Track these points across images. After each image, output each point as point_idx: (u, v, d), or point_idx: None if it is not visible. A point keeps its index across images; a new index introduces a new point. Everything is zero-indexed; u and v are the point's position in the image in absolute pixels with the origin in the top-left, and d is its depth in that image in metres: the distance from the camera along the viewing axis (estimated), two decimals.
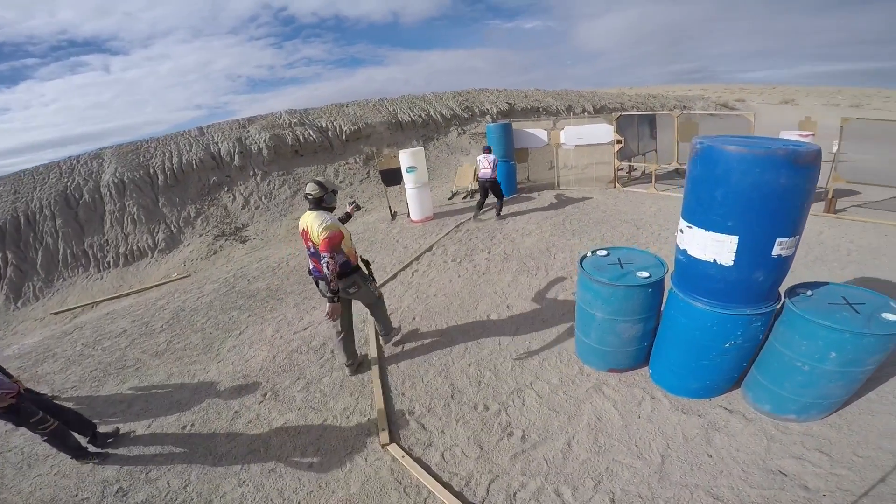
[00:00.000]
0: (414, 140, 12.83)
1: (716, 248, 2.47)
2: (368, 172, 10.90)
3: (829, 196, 7.06)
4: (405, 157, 7.55)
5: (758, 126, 14.03)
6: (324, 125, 11.84)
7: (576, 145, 9.23)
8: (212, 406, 3.82)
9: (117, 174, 10.86)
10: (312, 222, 3.18)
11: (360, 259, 3.66)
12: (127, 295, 8.34)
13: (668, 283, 3.23)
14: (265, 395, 3.87)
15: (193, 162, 11.11)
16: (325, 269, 3.09)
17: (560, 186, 9.53)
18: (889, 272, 4.95)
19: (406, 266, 6.26)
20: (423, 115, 13.81)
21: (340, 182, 10.62)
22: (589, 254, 3.60)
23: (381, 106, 13.64)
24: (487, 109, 15.77)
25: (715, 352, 2.91)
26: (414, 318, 4.88)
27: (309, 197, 3.28)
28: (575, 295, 3.67)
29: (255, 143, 11.26)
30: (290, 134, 11.32)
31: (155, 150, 11.62)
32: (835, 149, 13.23)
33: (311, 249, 3.31)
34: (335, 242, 3.13)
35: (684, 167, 8.67)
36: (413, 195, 7.81)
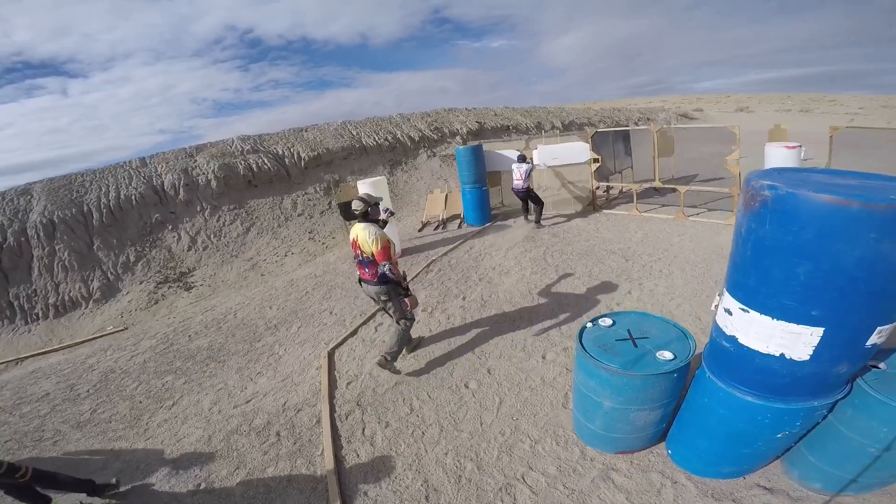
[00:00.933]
0: (380, 165, 12.05)
1: (787, 340, 1.74)
2: (330, 203, 10.01)
3: None
4: (364, 189, 6.73)
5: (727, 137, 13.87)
6: (280, 152, 10.93)
7: (550, 166, 8.65)
8: (136, 495, 3.19)
9: (46, 213, 9.63)
10: (363, 233, 3.56)
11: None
12: (55, 350, 7.25)
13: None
14: (199, 485, 3.18)
15: (133, 197, 10.01)
16: (389, 275, 3.56)
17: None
18: None
19: (369, 318, 5.39)
20: (389, 138, 13.09)
21: (299, 215, 9.71)
22: (589, 324, 2.84)
23: (343, 129, 12.84)
24: (458, 130, 15.21)
25: (762, 441, 2.26)
26: (375, 390, 4.03)
27: (356, 212, 3.64)
28: (572, 372, 2.91)
29: (203, 173, 10.26)
30: (243, 162, 10.37)
31: (90, 185, 10.45)
32: (802, 155, 13.21)
33: (360, 257, 3.68)
34: (389, 250, 3.52)
35: (665, 186, 8.28)
36: None
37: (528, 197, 7.84)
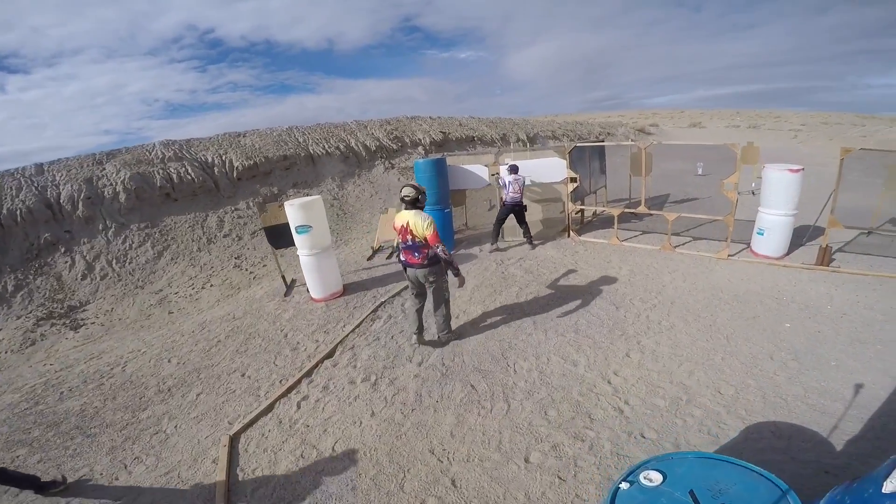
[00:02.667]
0: (328, 178, 10.61)
1: None
2: None
3: (825, 245, 5.90)
4: (294, 212, 5.34)
5: (692, 154, 13.40)
6: (209, 160, 9.31)
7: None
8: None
9: None
10: (414, 219, 3.84)
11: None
12: None
13: None
14: None
15: (19, 212, 8.13)
16: (443, 256, 3.89)
17: (505, 237, 7.81)
18: None
19: (291, 388, 4.06)
20: (341, 146, 11.68)
21: (226, 236, 8.15)
22: (624, 486, 1.67)
23: (288, 136, 11.32)
24: (420, 140, 14.00)
25: None
26: None
27: (406, 199, 3.92)
28: None
29: (111, 184, 8.52)
30: (161, 171, 8.70)
31: None
32: (753, 185, 12.79)
33: (408, 243, 3.93)
34: (438, 233, 3.86)
35: (647, 212, 7.29)
36: (310, 266, 5.53)
37: (519, 214, 7.15)
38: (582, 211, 8.61)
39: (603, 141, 12.22)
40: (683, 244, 7.09)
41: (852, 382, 3.46)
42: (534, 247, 7.32)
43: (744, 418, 3.18)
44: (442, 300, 4.23)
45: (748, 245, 6.68)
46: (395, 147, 13.16)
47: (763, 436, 3.01)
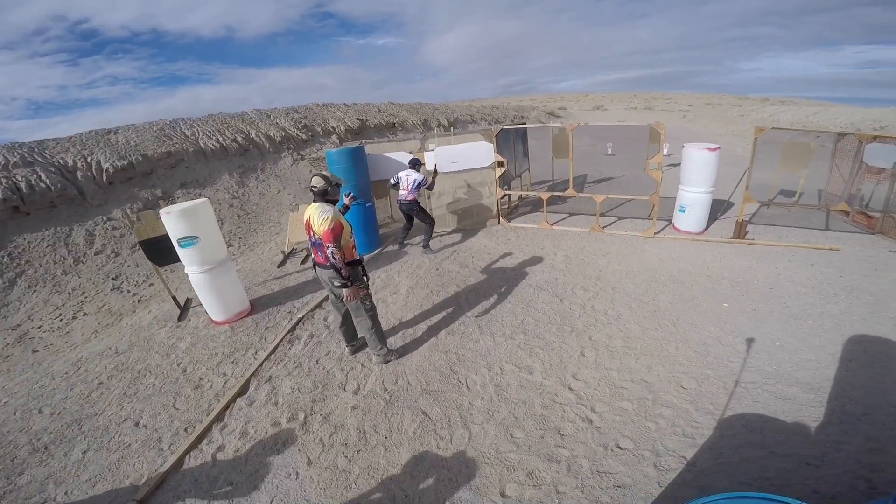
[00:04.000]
0: (224, 174, 9.22)
1: None
2: None
3: (741, 219, 6.12)
4: (172, 221, 4.25)
5: (601, 134, 13.83)
6: (70, 163, 7.58)
7: (449, 171, 7.07)
8: None
9: None
10: (315, 212, 3.35)
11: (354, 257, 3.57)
12: None
13: None
14: None
15: None
16: (331, 259, 3.25)
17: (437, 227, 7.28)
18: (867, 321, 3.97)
19: (200, 437, 3.20)
20: (239, 138, 10.28)
21: (98, 254, 6.65)
22: None
23: (172, 129, 9.69)
24: (334, 128, 12.87)
25: None
26: None
27: (314, 189, 3.41)
28: None
29: None
30: (5, 181, 6.89)
31: None
32: (665, 151, 13.63)
33: (313, 239, 3.45)
34: (337, 233, 3.26)
35: (576, 195, 7.19)
36: (203, 284, 4.50)
37: (412, 212, 6.34)
38: (509, 196, 8.34)
39: (525, 123, 12.07)
40: (611, 224, 7.08)
41: (799, 364, 3.43)
42: (429, 251, 6.41)
43: (712, 413, 2.99)
44: (362, 310, 3.58)
45: (670, 221, 6.81)
46: (304, 137, 11.96)
47: (736, 431, 2.82)
